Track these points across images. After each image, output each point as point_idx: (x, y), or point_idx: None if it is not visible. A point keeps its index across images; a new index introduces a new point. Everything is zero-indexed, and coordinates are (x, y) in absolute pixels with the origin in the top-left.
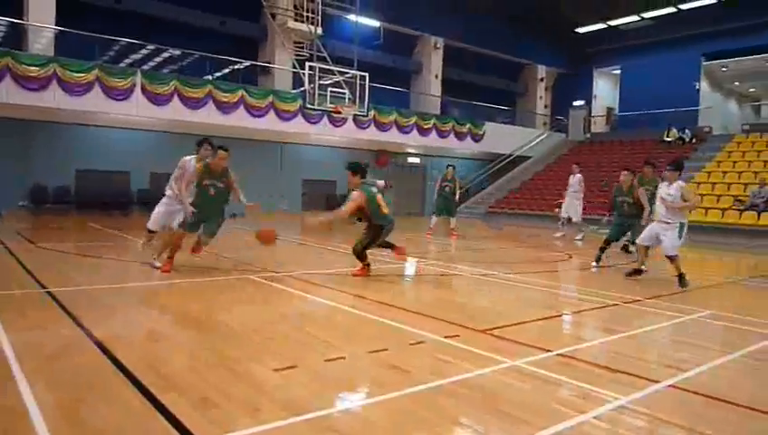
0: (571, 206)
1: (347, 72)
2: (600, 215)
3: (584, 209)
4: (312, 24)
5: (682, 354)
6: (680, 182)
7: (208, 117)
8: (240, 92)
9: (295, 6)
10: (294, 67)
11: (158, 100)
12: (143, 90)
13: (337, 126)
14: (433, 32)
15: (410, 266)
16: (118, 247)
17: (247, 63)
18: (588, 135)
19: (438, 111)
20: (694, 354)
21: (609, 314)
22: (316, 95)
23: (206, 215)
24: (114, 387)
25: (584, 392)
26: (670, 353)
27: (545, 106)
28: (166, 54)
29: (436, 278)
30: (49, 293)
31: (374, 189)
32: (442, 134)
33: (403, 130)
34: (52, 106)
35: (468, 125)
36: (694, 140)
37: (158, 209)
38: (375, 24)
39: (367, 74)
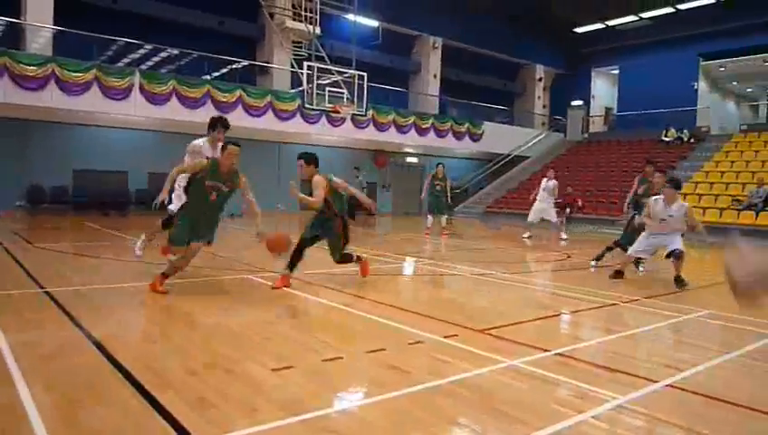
0: (548, 209)
1: (345, 72)
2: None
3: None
4: (311, 23)
5: (680, 354)
6: (682, 202)
7: (207, 117)
8: (238, 92)
9: (293, 6)
10: (293, 67)
11: (156, 99)
12: (141, 89)
13: (335, 126)
14: (431, 32)
15: (409, 266)
16: (116, 247)
17: (245, 63)
18: (586, 135)
19: (437, 111)
20: (692, 354)
21: (607, 313)
22: (314, 95)
23: (196, 222)
24: (112, 387)
25: (582, 392)
26: (668, 353)
27: (543, 106)
28: (164, 54)
29: (435, 278)
30: (47, 293)
31: (332, 175)
32: (440, 134)
33: (401, 129)
34: (49, 106)
35: (467, 125)
36: (692, 140)
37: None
38: (373, 23)
39: (365, 74)
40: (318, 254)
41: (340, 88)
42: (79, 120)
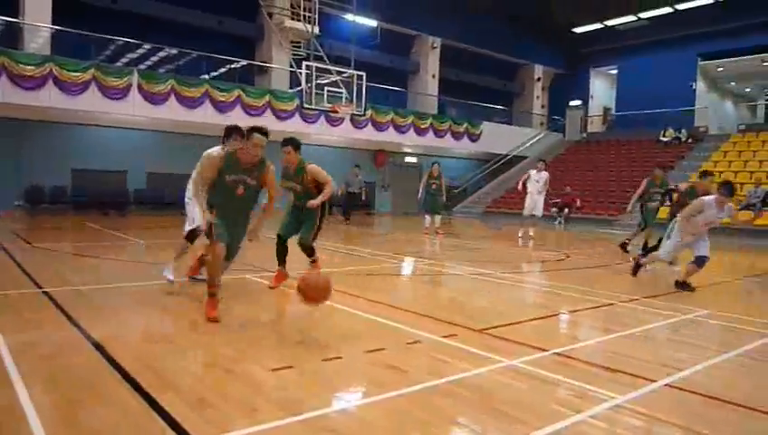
0: (539, 203)
1: (344, 72)
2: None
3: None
4: (309, 23)
5: (679, 354)
6: (730, 204)
7: (205, 116)
8: (237, 92)
9: (292, 6)
10: (291, 66)
11: (154, 99)
12: (140, 89)
13: (334, 126)
14: (430, 31)
15: (407, 266)
16: (115, 247)
17: (244, 63)
18: (584, 135)
19: (435, 111)
20: (690, 354)
21: (605, 313)
22: (313, 95)
23: (230, 223)
24: (111, 387)
25: (581, 392)
26: (667, 353)
27: (542, 106)
28: (162, 54)
29: (434, 278)
30: (45, 293)
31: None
32: (439, 134)
33: (400, 129)
34: (48, 105)
35: (465, 125)
36: (690, 140)
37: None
38: (372, 23)
39: (364, 74)
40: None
41: (339, 88)
42: (77, 119)
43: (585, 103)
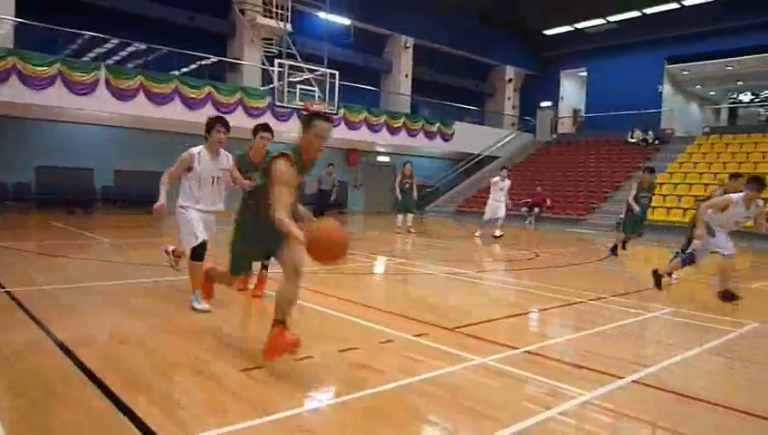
0: (502, 207)
1: (317, 70)
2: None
3: (549, 209)
4: (282, 20)
5: (645, 351)
6: (760, 201)
7: (175, 113)
8: (207, 88)
9: (264, 2)
10: (263, 64)
11: (122, 95)
12: (107, 84)
13: None
14: (403, 31)
15: (380, 265)
16: (82, 246)
17: (215, 59)
18: (555, 136)
19: (408, 111)
20: (657, 351)
21: (575, 311)
22: (285, 92)
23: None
24: (77, 390)
25: (551, 389)
26: (634, 350)
27: (513, 107)
28: (131, 49)
29: (406, 277)
30: (8, 293)
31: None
32: (412, 133)
33: (373, 128)
34: (10, 100)
35: (438, 124)
36: (656, 142)
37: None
38: (345, 22)
39: (337, 72)
40: None
41: (312, 86)
42: (42, 115)
43: (555, 105)
